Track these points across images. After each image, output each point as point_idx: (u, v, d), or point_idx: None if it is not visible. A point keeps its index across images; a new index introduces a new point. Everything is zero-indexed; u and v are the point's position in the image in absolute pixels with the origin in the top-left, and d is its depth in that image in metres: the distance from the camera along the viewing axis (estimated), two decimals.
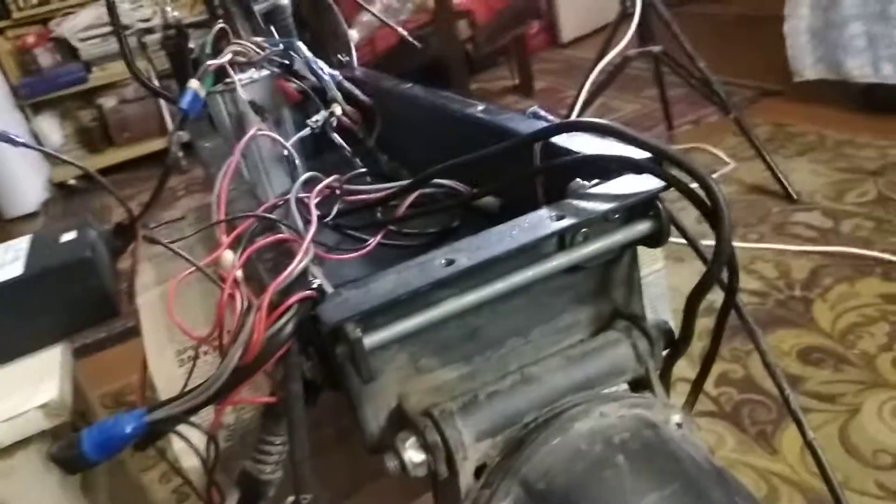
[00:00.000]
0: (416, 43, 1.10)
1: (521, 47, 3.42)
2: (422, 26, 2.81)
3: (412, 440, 0.38)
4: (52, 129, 3.38)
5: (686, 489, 0.33)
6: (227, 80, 0.84)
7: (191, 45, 1.14)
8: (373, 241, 0.52)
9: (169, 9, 1.17)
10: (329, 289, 0.38)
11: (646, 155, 0.41)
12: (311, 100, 0.84)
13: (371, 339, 0.35)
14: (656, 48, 2.09)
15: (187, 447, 0.44)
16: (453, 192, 0.54)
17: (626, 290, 0.44)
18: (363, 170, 0.77)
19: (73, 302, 0.66)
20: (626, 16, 2.07)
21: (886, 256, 1.48)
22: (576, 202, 0.40)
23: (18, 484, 0.58)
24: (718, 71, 1.98)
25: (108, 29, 3.27)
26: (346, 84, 0.84)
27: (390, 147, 0.83)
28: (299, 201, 0.49)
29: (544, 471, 0.36)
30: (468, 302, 0.37)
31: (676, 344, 0.42)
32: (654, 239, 0.40)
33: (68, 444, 0.36)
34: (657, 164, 0.40)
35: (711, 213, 0.37)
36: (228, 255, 0.44)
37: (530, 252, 0.39)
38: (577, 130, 0.44)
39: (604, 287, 0.44)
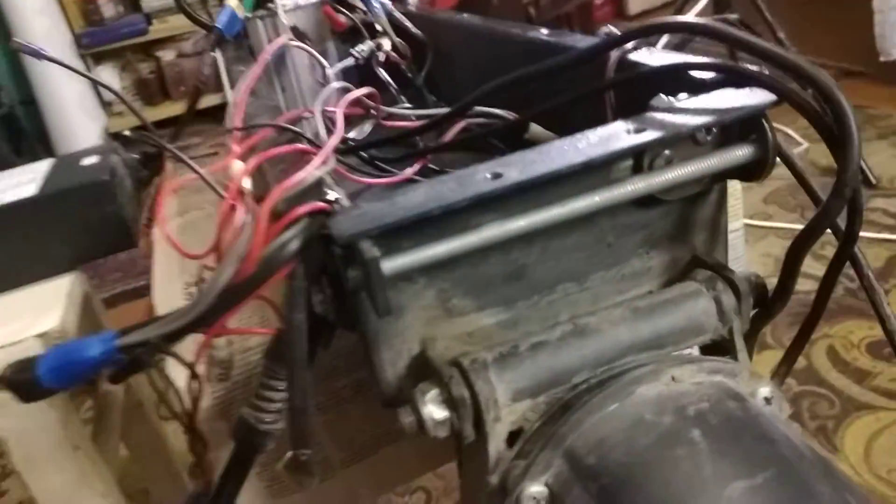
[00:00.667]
0: None
1: (587, 16, 3.28)
2: None
3: (434, 392, 0.31)
4: (111, 79, 3.39)
5: (783, 478, 0.25)
6: (270, 3, 0.78)
7: None
8: (406, 172, 0.45)
9: None
10: (347, 203, 0.31)
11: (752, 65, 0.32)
12: (359, 31, 0.77)
13: (392, 264, 0.29)
14: (732, 16, 1.95)
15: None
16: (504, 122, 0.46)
17: (709, 234, 0.36)
18: (408, 106, 0.70)
19: (87, 227, 0.61)
20: None
21: None
22: (660, 116, 0.32)
23: (15, 418, 0.54)
24: (797, 50, 1.84)
25: None
26: (397, 14, 0.76)
27: (443, 88, 0.75)
28: (326, 114, 0.42)
29: (596, 442, 0.29)
30: (515, 229, 0.30)
31: (769, 302, 0.34)
32: (755, 169, 0.32)
33: (20, 367, 0.30)
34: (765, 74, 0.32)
35: (837, 134, 0.28)
36: (239, 165, 0.38)
37: (598, 173, 0.31)
38: (663, 32, 0.35)
39: (683, 229, 0.36)
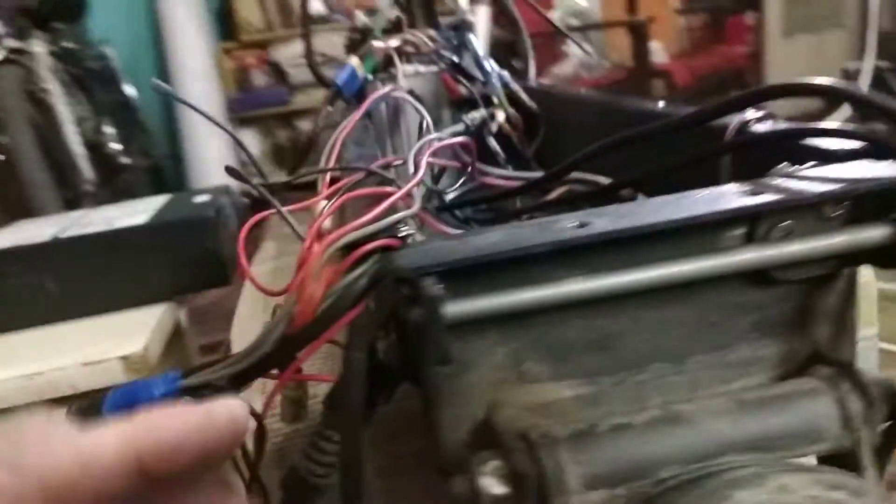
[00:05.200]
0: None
1: None
2: (614, 83, 2.73)
3: (495, 464, 0.27)
4: (251, 143, 3.65)
5: None
6: (392, 67, 0.80)
7: None
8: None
9: (361, 14, 1.17)
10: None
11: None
12: (475, 102, 0.78)
13: (457, 308, 0.26)
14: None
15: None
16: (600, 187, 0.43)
17: (833, 329, 0.31)
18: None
19: (186, 260, 0.63)
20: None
21: None
22: (780, 181, 0.28)
23: None
24: None
25: (318, 58, 3.49)
26: (514, 86, 0.76)
27: (552, 163, 0.74)
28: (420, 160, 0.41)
29: None
30: (600, 289, 0.27)
31: None
32: (891, 254, 0.28)
33: (89, 404, 0.30)
34: None
35: None
36: (322, 206, 0.37)
37: (703, 237, 0.28)
38: (784, 96, 0.31)
39: (804, 318, 0.31)
